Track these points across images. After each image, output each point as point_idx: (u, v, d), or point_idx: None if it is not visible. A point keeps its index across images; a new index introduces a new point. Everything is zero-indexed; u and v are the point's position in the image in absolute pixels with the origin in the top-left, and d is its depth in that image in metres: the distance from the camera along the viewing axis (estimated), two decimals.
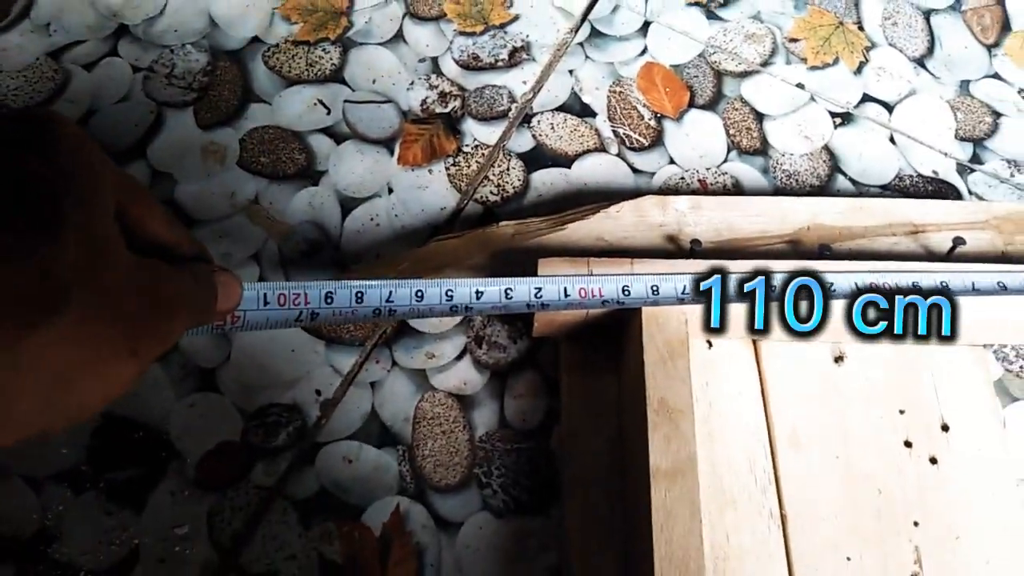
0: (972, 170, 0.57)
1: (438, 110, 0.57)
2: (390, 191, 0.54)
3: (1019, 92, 0.60)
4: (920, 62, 0.61)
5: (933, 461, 0.46)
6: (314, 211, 0.53)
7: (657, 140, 0.56)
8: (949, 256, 0.47)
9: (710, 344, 0.47)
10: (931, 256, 0.48)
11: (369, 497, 0.45)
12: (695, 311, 0.43)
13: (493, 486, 0.46)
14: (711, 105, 0.58)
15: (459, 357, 0.49)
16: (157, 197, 0.49)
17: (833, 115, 0.58)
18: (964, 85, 0.60)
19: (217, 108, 0.56)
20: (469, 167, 0.55)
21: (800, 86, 0.59)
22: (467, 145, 0.56)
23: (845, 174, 0.56)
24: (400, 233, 0.52)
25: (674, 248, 0.48)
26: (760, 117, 0.58)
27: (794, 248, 0.48)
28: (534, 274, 0.43)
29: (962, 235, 0.47)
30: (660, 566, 0.37)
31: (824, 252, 0.47)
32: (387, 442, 0.47)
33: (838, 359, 0.48)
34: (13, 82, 0.56)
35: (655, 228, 0.48)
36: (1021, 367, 0.50)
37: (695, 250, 0.46)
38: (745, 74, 0.59)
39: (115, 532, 0.44)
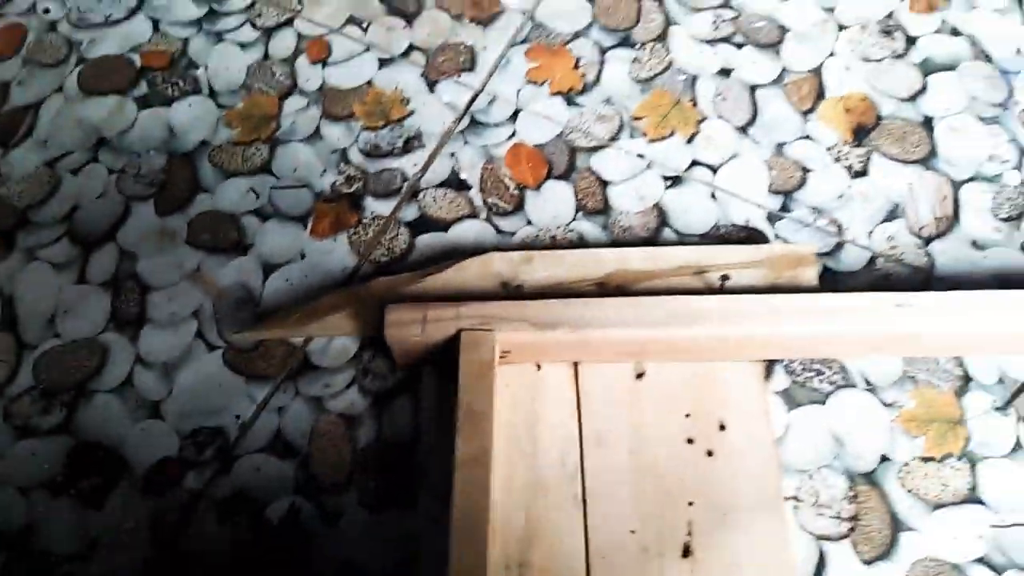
0: (780, 217, 0.69)
1: (344, 190, 0.71)
2: (302, 257, 0.68)
3: (827, 150, 0.72)
4: (743, 129, 0.73)
5: (710, 454, 0.58)
6: (242, 276, 0.68)
7: (519, 206, 0.70)
8: (722, 289, 0.60)
9: (539, 366, 0.61)
10: (709, 290, 0.60)
11: (272, 497, 0.60)
12: (508, 339, 0.57)
13: (368, 487, 0.59)
14: (566, 175, 0.72)
15: (348, 386, 0.63)
16: (123, 273, 0.66)
17: (665, 178, 0.71)
18: (780, 147, 0.72)
19: (172, 199, 0.71)
20: (367, 235, 0.69)
21: (640, 156, 0.72)
22: (366, 217, 0.70)
23: (671, 227, 0.69)
24: (308, 291, 0.67)
25: (504, 292, 0.61)
26: (604, 184, 0.71)
27: (600, 289, 0.61)
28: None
29: (733, 273, 0.60)
30: (456, 536, 0.50)
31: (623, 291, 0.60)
32: (288, 455, 0.61)
33: (640, 375, 0.61)
34: (18, 187, 0.73)
35: (493, 277, 0.62)
36: (806, 379, 0.62)
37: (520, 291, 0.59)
38: (595, 148, 0.73)
39: (80, 527, 0.59)
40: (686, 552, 0.54)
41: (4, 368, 0.64)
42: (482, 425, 0.53)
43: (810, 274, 0.61)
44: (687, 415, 0.59)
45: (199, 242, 0.69)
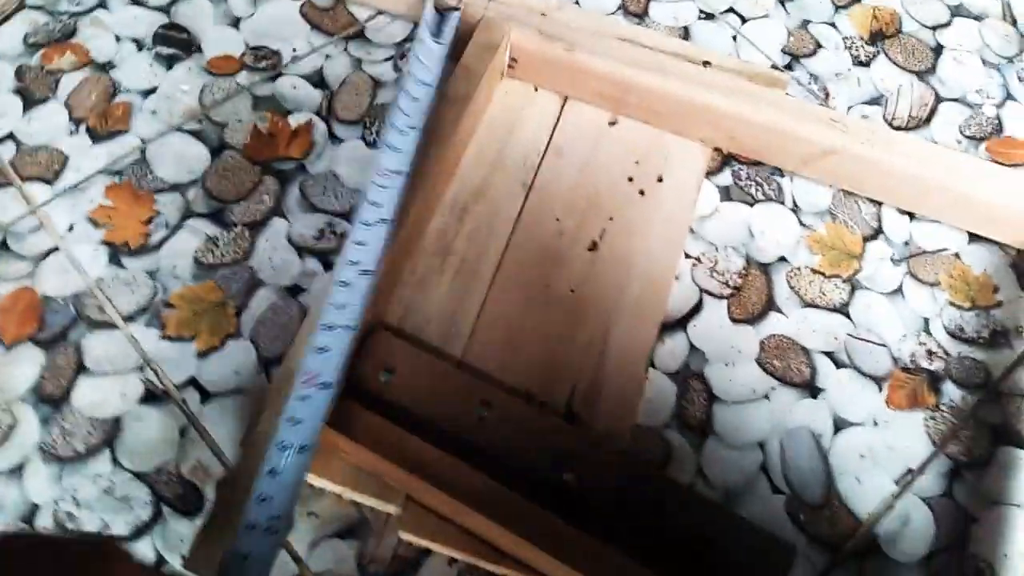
0: (781, 71, 0.80)
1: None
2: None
3: (843, 38, 0.83)
4: (782, 1, 0.85)
5: (641, 193, 0.70)
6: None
7: None
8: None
9: (536, 89, 0.73)
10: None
11: (297, 109, 0.74)
12: (518, 42, 0.69)
13: (370, 129, 0.73)
14: None
15: (386, 59, 0.77)
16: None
17: (702, 12, 0.83)
18: (805, 23, 0.83)
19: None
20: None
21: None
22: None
23: None
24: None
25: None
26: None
27: None
28: None
29: (715, 62, 0.72)
30: (432, 164, 0.63)
31: None
32: (320, 85, 0.75)
33: (612, 123, 0.73)
34: None
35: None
36: (746, 185, 0.73)
37: None
38: None
39: None
40: (593, 247, 0.66)
41: None
42: (473, 85, 0.66)
43: (779, 95, 0.72)
44: (636, 162, 0.70)
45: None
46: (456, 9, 0.70)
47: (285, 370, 0.58)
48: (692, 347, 0.65)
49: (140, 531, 0.57)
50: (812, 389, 0.64)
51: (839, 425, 0.63)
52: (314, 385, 0.50)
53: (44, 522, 0.56)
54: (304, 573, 0.55)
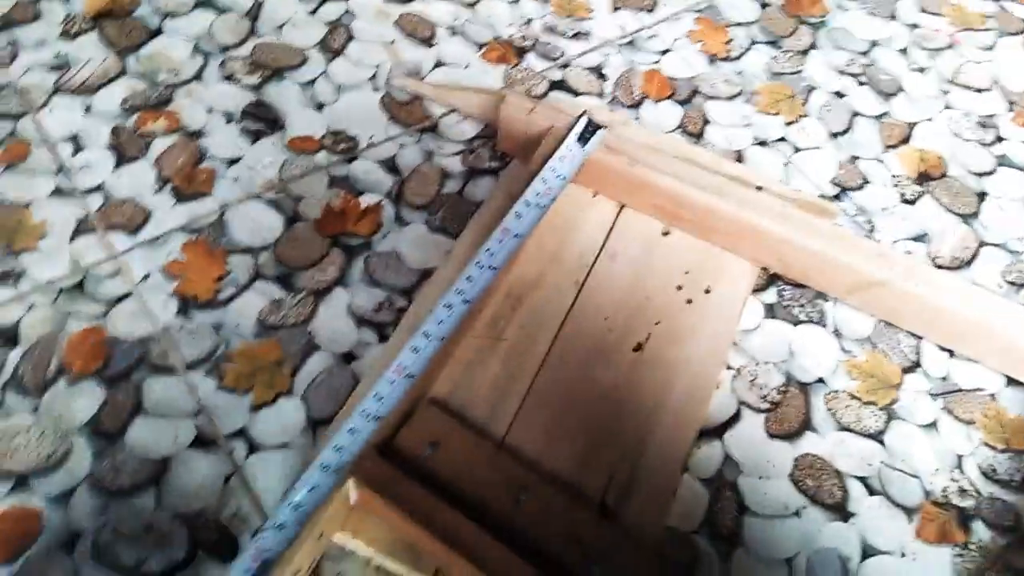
0: (830, 200, 0.84)
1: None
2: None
3: (892, 176, 0.87)
4: (834, 135, 0.89)
5: (689, 301, 0.72)
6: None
7: (636, 105, 0.88)
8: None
9: (595, 194, 0.78)
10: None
11: (369, 191, 0.78)
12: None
13: (435, 216, 0.77)
14: (681, 103, 0.89)
15: (455, 153, 0.82)
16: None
17: (756, 139, 0.88)
18: (854, 158, 0.88)
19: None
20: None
21: (744, 117, 0.89)
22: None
23: None
24: None
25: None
26: (707, 121, 0.88)
27: None
28: None
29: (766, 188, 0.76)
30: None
31: None
32: (392, 171, 0.80)
33: (665, 233, 0.76)
34: None
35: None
36: (790, 304, 0.76)
37: None
38: (713, 97, 0.90)
39: None
40: (638, 348, 0.69)
41: None
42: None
43: (828, 224, 0.75)
44: (686, 272, 0.73)
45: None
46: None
47: (333, 429, 0.60)
48: (727, 456, 0.67)
49: (173, 569, 0.58)
50: (843, 512, 0.65)
51: (867, 551, 0.63)
52: (401, 376, 0.58)
53: (84, 549, 0.58)
54: None
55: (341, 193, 0.78)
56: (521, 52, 0.91)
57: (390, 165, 0.81)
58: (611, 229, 0.75)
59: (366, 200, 0.78)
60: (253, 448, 0.63)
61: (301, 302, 0.71)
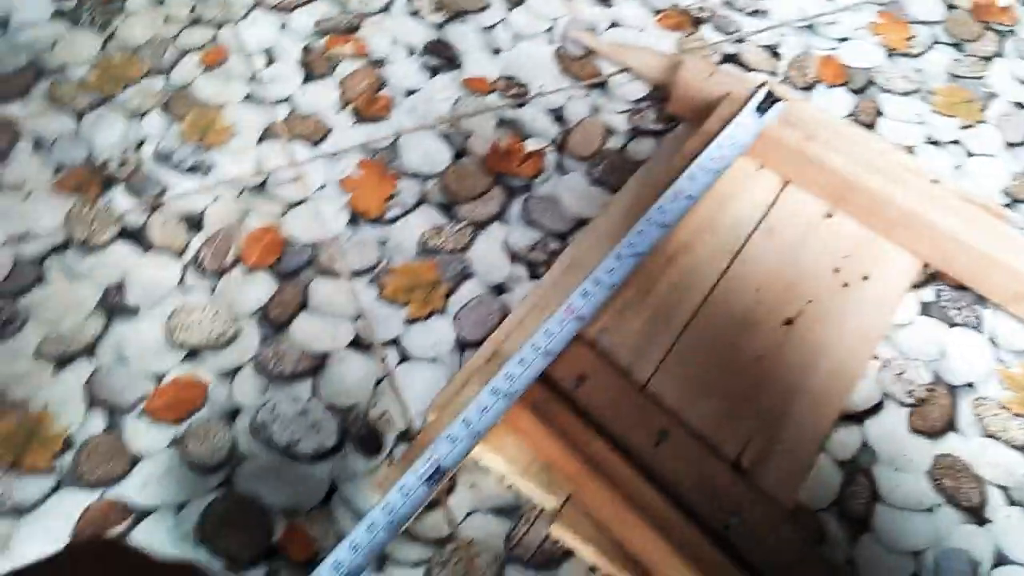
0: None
1: None
2: None
3: None
4: (1010, 145, 0.86)
5: (845, 285, 0.71)
6: None
7: (808, 88, 0.87)
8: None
9: (761, 166, 0.77)
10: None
11: (530, 135, 0.80)
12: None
13: (596, 167, 0.79)
14: (855, 92, 0.88)
15: (621, 111, 0.83)
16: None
17: (928, 139, 0.85)
18: None
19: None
20: None
21: (918, 115, 0.87)
22: None
23: None
24: None
25: None
26: (879, 112, 0.86)
27: None
28: None
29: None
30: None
31: None
32: (559, 121, 0.82)
33: (828, 215, 0.76)
34: None
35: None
36: (948, 305, 0.74)
37: None
38: (888, 91, 0.88)
39: None
40: (788, 322, 0.68)
41: None
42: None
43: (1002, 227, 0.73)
44: (845, 256, 0.72)
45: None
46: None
47: (482, 352, 0.63)
48: (865, 443, 0.66)
49: (321, 456, 0.61)
50: (979, 517, 0.63)
51: (1000, 560, 0.62)
52: (572, 316, 0.61)
53: (242, 424, 0.62)
54: (455, 534, 0.58)
55: (508, 135, 0.80)
56: (697, 22, 0.91)
57: (557, 115, 0.82)
58: (772, 204, 0.75)
59: (531, 145, 0.80)
60: (404, 357, 0.66)
61: (461, 231, 0.73)
